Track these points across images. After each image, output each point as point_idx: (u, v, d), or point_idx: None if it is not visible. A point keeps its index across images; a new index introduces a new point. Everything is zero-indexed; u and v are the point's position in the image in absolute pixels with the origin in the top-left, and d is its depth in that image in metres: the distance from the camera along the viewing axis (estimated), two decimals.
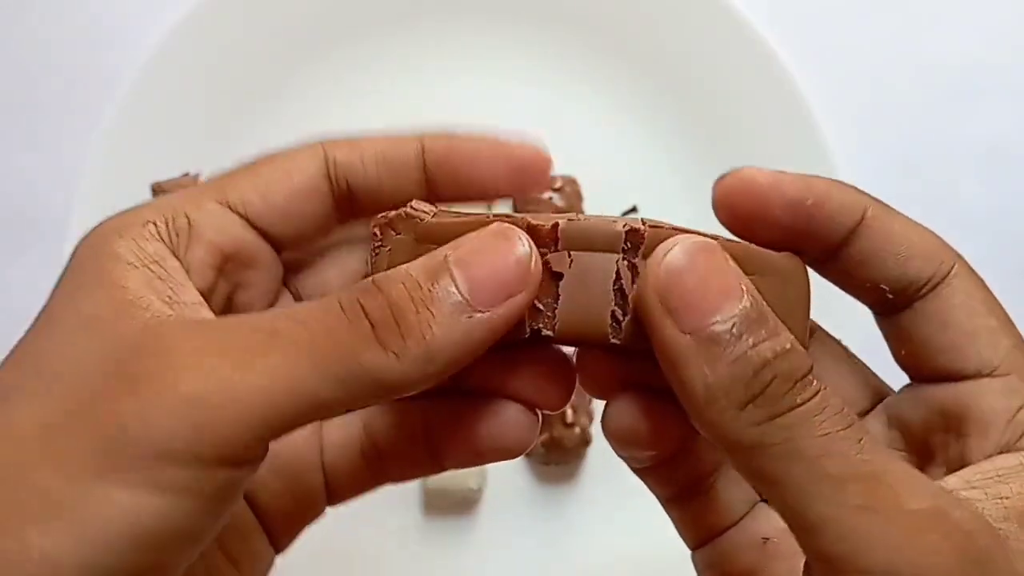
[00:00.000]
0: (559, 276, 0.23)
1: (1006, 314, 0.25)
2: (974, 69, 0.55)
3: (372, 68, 0.53)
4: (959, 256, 0.25)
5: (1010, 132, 0.54)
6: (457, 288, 0.21)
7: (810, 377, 0.20)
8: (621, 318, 0.22)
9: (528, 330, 0.23)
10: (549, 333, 0.23)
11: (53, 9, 0.54)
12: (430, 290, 0.21)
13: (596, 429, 0.51)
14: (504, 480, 0.51)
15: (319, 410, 0.21)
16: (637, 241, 0.23)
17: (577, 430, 0.49)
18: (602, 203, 0.52)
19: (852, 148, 0.52)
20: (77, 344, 0.21)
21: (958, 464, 0.23)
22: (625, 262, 0.23)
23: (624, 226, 0.23)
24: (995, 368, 0.24)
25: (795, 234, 0.25)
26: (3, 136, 0.52)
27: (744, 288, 0.21)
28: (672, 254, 0.21)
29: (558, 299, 0.23)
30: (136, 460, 0.19)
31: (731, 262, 0.21)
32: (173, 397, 0.19)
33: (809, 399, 0.20)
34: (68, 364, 0.21)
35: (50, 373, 0.21)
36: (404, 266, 0.22)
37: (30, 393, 0.21)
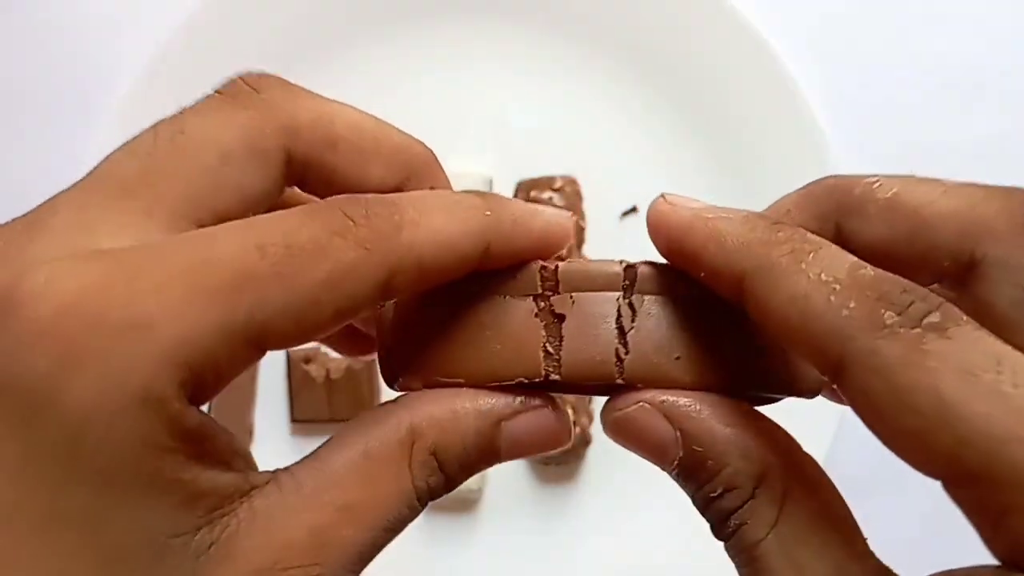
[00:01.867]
0: (562, 318, 0.23)
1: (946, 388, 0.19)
2: (975, 69, 0.55)
3: (372, 68, 0.53)
4: (867, 328, 0.20)
5: (1011, 132, 0.54)
6: (500, 454, 0.24)
7: (730, 519, 0.22)
8: (623, 356, 0.23)
9: (543, 373, 0.23)
10: (556, 377, 0.23)
11: (53, 9, 0.54)
12: (476, 463, 0.23)
13: (596, 429, 0.51)
14: (504, 480, 0.51)
15: None
16: (633, 278, 0.23)
17: (577, 430, 0.49)
18: (602, 203, 0.52)
19: (852, 149, 0.52)
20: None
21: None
22: (626, 301, 0.23)
23: (621, 264, 0.23)
24: (976, 479, 0.20)
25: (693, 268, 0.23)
26: (3, 136, 0.52)
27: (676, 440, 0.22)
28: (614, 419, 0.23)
29: (562, 341, 0.23)
30: None
31: (662, 422, 0.23)
32: None
33: (731, 532, 0.23)
34: None
35: None
36: (461, 431, 0.23)
37: None
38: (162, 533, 0.19)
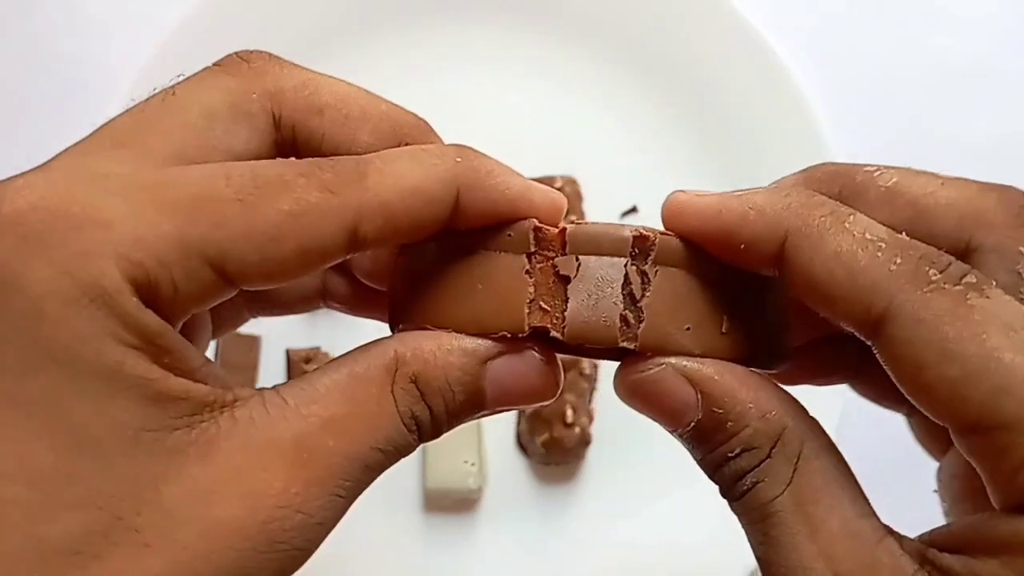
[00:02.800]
0: (566, 279, 0.23)
1: (996, 337, 0.21)
2: (976, 70, 0.55)
3: (372, 67, 0.53)
4: (914, 281, 0.21)
5: (1011, 132, 0.54)
6: (487, 399, 0.24)
7: (746, 477, 0.23)
8: (633, 322, 0.23)
9: (528, 328, 0.23)
10: (558, 335, 0.23)
11: (54, 10, 0.54)
12: (462, 404, 0.24)
13: (596, 429, 0.51)
14: (504, 480, 0.51)
15: None
16: (645, 248, 0.23)
17: (577, 430, 0.49)
18: (602, 203, 0.52)
19: (853, 149, 0.52)
20: (147, 473, 0.20)
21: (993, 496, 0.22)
22: (634, 267, 0.23)
23: (632, 231, 0.24)
24: (988, 426, 0.21)
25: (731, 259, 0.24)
26: (2, 136, 0.52)
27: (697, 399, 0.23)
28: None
29: (566, 302, 0.23)
30: None
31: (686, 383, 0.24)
32: (310, 553, 0.23)
33: (743, 492, 0.24)
34: (163, 509, 0.20)
35: (145, 519, 0.20)
36: (444, 364, 0.23)
37: (135, 549, 0.20)
38: (129, 426, 0.20)
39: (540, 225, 0.24)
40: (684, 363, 0.23)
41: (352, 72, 0.52)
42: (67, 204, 0.20)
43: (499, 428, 0.52)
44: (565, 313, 0.23)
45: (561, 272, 0.23)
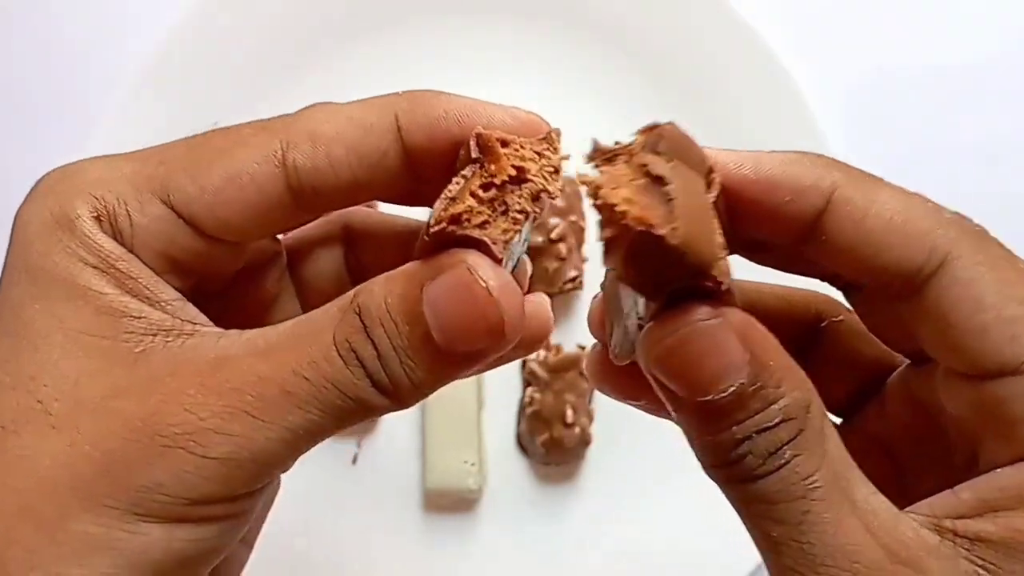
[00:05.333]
0: (660, 180, 0.20)
1: None
2: (976, 70, 0.55)
3: (370, 67, 0.53)
4: (966, 232, 0.22)
5: (1011, 132, 0.54)
6: (433, 334, 0.22)
7: (784, 449, 0.21)
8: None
9: (437, 221, 0.21)
10: (676, 242, 0.19)
11: (54, 10, 0.54)
12: (408, 338, 0.22)
13: (596, 429, 0.51)
14: (504, 480, 0.51)
15: (320, 439, 0.23)
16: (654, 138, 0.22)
17: (577, 430, 0.49)
18: None
19: (853, 149, 0.52)
20: (77, 369, 0.22)
21: (980, 462, 0.22)
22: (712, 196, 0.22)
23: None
24: (1018, 365, 0.21)
25: (755, 221, 0.23)
26: (2, 136, 0.52)
27: (743, 360, 0.21)
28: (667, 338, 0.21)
29: (669, 201, 0.19)
30: (171, 507, 0.22)
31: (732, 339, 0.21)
32: (207, 462, 0.22)
33: (779, 467, 0.21)
34: (79, 398, 0.22)
35: (60, 406, 0.22)
36: (384, 294, 0.22)
37: (42, 428, 0.22)
38: (72, 327, 0.22)
39: (482, 131, 0.22)
40: (737, 315, 0.21)
41: (350, 71, 0.53)
42: (68, 168, 0.24)
43: (499, 428, 0.52)
44: (674, 215, 0.19)
45: (655, 172, 0.20)
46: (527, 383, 0.51)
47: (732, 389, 0.21)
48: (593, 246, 0.52)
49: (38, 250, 0.23)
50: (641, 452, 0.51)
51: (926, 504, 0.22)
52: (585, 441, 0.50)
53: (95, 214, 0.23)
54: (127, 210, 0.23)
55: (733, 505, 0.22)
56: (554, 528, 0.51)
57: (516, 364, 0.52)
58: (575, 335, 0.52)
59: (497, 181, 0.21)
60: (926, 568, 0.20)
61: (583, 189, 0.20)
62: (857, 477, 0.21)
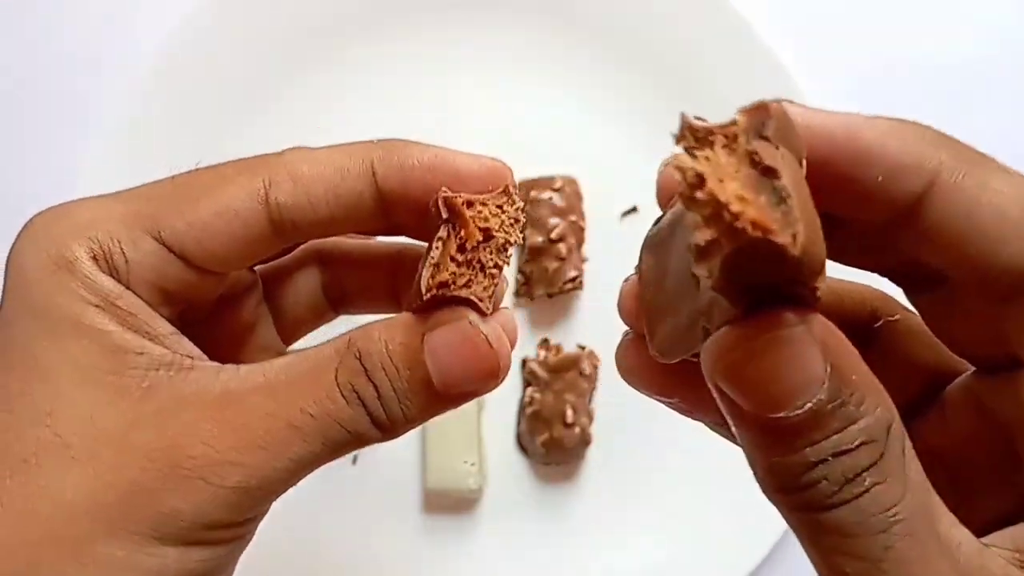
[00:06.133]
0: (772, 173, 0.17)
1: None
2: (975, 69, 0.55)
3: (371, 68, 0.53)
4: None
5: (1012, 132, 0.54)
6: (432, 378, 0.25)
7: (864, 476, 0.19)
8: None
9: (427, 292, 0.24)
10: (795, 253, 0.16)
11: (54, 9, 0.54)
12: (408, 382, 0.25)
13: (596, 429, 0.51)
14: (504, 480, 0.51)
15: (318, 467, 0.25)
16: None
17: (577, 430, 0.49)
18: (602, 203, 0.52)
19: None
20: (91, 403, 0.24)
21: None
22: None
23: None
24: None
25: (841, 198, 0.20)
26: (2, 136, 0.52)
27: (823, 378, 0.18)
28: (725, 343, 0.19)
29: (783, 200, 0.17)
30: (188, 531, 0.24)
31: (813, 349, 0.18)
32: (222, 491, 0.24)
33: (857, 496, 0.19)
34: (96, 431, 0.24)
35: (79, 439, 0.23)
36: (385, 340, 0.25)
37: (64, 461, 0.23)
38: (82, 363, 0.24)
39: (447, 194, 0.24)
40: (820, 322, 0.18)
41: (351, 73, 0.53)
42: (58, 210, 0.26)
43: (499, 428, 0.52)
44: (798, 224, 0.16)
45: (767, 163, 0.17)
46: (527, 383, 0.51)
47: (809, 406, 0.18)
48: (593, 246, 0.52)
49: (42, 291, 0.24)
50: (641, 452, 0.51)
51: (1008, 536, 0.20)
52: (585, 441, 0.50)
53: (92, 254, 0.24)
54: (121, 248, 0.25)
55: (799, 535, 0.20)
56: (554, 528, 0.51)
57: (516, 364, 0.52)
58: (575, 335, 0.52)
59: (469, 245, 0.24)
60: None
61: (675, 176, 0.17)
62: (939, 506, 0.20)
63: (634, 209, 0.53)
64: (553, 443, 0.49)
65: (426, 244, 0.25)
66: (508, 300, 0.52)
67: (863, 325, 0.25)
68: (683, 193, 0.17)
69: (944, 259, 0.21)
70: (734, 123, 0.18)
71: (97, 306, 0.24)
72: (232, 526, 0.24)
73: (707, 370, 0.19)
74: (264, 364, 0.25)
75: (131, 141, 0.50)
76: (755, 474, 0.20)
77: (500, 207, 0.25)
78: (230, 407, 0.24)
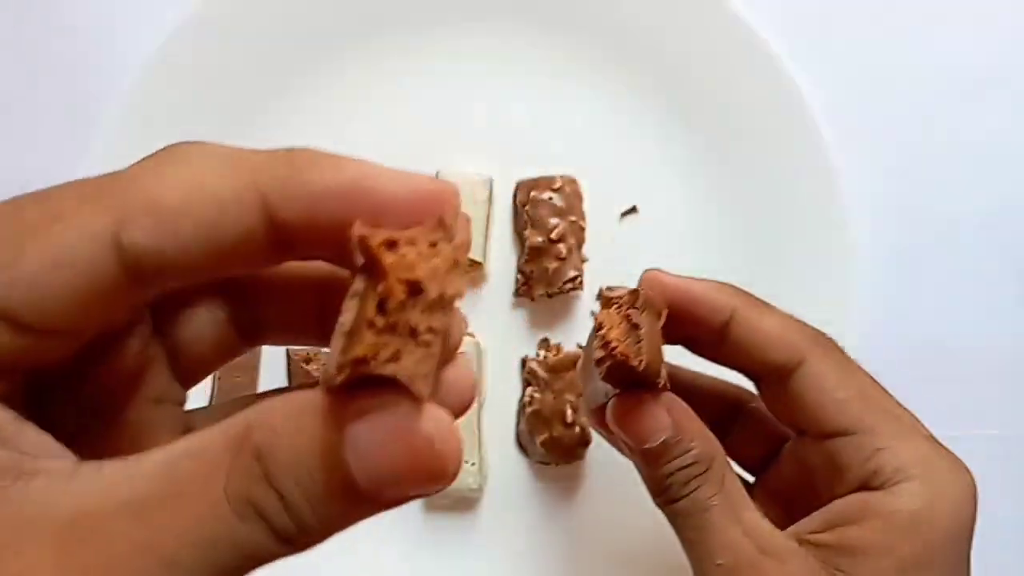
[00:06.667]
0: (636, 327, 0.31)
1: (862, 382, 0.34)
2: (977, 70, 0.55)
3: (371, 69, 0.53)
4: (818, 343, 0.34)
5: (1012, 132, 0.54)
6: (358, 482, 0.19)
7: (694, 480, 0.33)
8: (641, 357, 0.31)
9: (344, 368, 0.18)
10: (640, 369, 0.31)
11: (53, 9, 0.54)
12: (325, 485, 0.19)
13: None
14: (504, 480, 0.51)
15: None
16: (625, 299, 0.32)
17: (577, 430, 0.49)
18: (602, 203, 0.52)
19: (853, 149, 0.52)
20: None
21: (828, 498, 0.33)
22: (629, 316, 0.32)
23: (628, 291, 0.33)
24: (845, 430, 0.33)
25: (686, 324, 0.35)
26: (2, 136, 0.52)
27: (666, 425, 0.33)
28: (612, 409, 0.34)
29: (639, 342, 0.31)
30: None
31: (658, 410, 0.33)
32: None
33: (691, 492, 0.33)
34: None
35: None
36: (292, 434, 0.18)
37: None
38: None
39: (362, 232, 0.18)
40: (667, 396, 0.33)
41: (350, 74, 0.53)
42: None
43: (499, 428, 0.52)
44: (643, 350, 0.31)
45: (635, 321, 0.32)
46: (527, 383, 0.51)
47: (661, 440, 0.33)
48: (593, 246, 0.52)
49: None
50: None
51: (793, 526, 0.33)
52: (585, 441, 0.50)
53: None
54: None
55: (670, 523, 0.34)
56: (554, 527, 0.51)
57: (516, 364, 0.52)
58: (575, 335, 0.52)
59: (391, 304, 0.18)
60: (786, 559, 0.31)
61: (591, 319, 0.32)
62: (746, 504, 0.33)
63: (634, 209, 0.53)
64: (553, 443, 0.49)
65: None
66: (508, 300, 0.52)
67: (733, 406, 0.39)
68: (594, 329, 0.32)
69: (740, 361, 0.35)
70: (622, 298, 0.32)
71: None
72: None
73: (608, 420, 0.33)
74: (131, 464, 0.18)
75: (129, 146, 0.50)
76: (645, 486, 0.34)
77: (434, 245, 0.18)
78: (84, 539, 0.17)
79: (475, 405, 0.50)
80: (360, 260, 0.18)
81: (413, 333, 0.18)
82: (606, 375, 0.31)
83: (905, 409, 0.34)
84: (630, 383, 0.33)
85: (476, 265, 0.52)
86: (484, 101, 0.53)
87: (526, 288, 0.51)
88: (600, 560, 0.51)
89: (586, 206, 0.52)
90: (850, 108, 0.53)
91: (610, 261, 0.52)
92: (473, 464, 0.50)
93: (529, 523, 0.51)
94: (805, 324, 0.35)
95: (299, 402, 0.19)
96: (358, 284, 0.18)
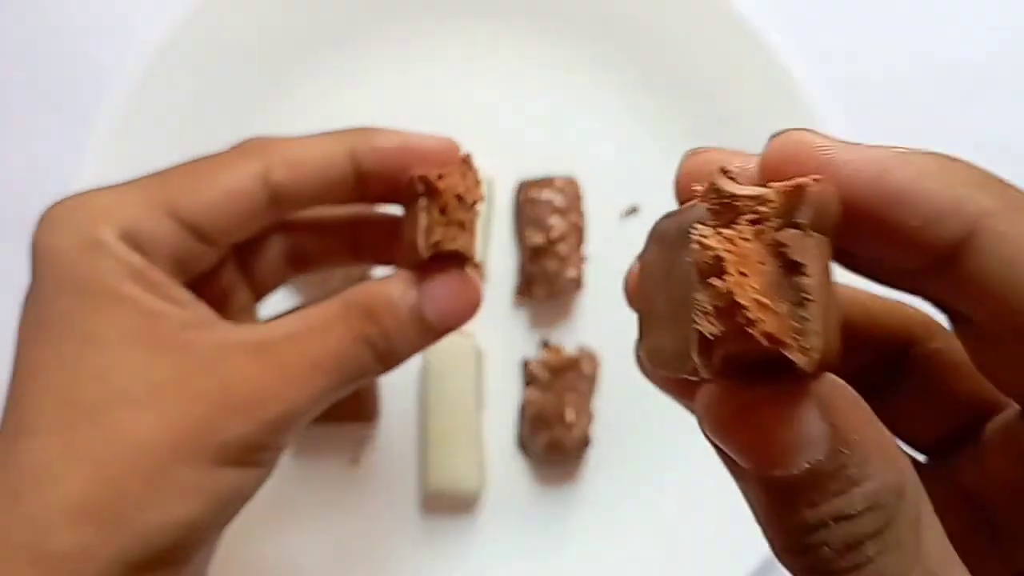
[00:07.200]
0: (798, 269, 0.16)
1: None
2: (980, 69, 0.55)
3: (371, 69, 0.53)
4: None
5: (1012, 132, 0.54)
6: (429, 317, 0.31)
7: (867, 545, 0.17)
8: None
9: (425, 252, 0.31)
10: (809, 370, 0.16)
11: (52, 8, 0.53)
12: (409, 321, 0.31)
13: (596, 430, 0.51)
14: (504, 480, 0.51)
15: (332, 399, 0.31)
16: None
17: (577, 431, 0.49)
18: (602, 203, 0.52)
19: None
20: (140, 360, 0.28)
21: None
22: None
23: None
24: None
25: (872, 241, 0.19)
26: (2, 136, 0.52)
27: (822, 437, 0.17)
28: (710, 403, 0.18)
29: (803, 304, 0.16)
30: (241, 456, 0.29)
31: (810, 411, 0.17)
32: (269, 421, 0.29)
33: (859, 566, 0.17)
34: (153, 381, 0.28)
35: (140, 390, 0.28)
36: (388, 291, 0.31)
37: (131, 408, 0.28)
38: (125, 326, 0.28)
39: (422, 173, 0.31)
40: (825, 383, 0.17)
41: (350, 72, 0.52)
42: (79, 199, 0.30)
43: (499, 429, 0.51)
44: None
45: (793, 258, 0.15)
46: (527, 384, 0.51)
47: (807, 466, 0.17)
48: (593, 246, 0.52)
49: (79, 269, 0.28)
50: (642, 453, 0.51)
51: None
52: (586, 442, 0.50)
53: (119, 234, 0.29)
54: (145, 228, 0.29)
55: None
56: (554, 529, 0.51)
57: (516, 365, 0.52)
58: (575, 335, 0.52)
59: (449, 209, 0.31)
60: None
61: (694, 250, 0.16)
62: (958, 570, 0.18)
63: (634, 209, 0.53)
64: (553, 444, 0.49)
65: (385, 208, 0.36)
66: (508, 300, 0.52)
67: (900, 349, 0.23)
68: (700, 269, 0.16)
69: (982, 312, 0.19)
70: (765, 199, 0.16)
71: (130, 278, 0.28)
72: (272, 449, 0.30)
73: (698, 418, 0.18)
74: (279, 320, 0.30)
75: (132, 137, 0.50)
76: (763, 533, 0.19)
77: (463, 174, 0.31)
78: (265, 352, 0.29)
79: (475, 406, 0.50)
80: (421, 188, 0.31)
81: (461, 224, 0.31)
82: (720, 366, 0.17)
83: None
84: (757, 366, 0.17)
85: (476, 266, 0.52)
86: (484, 101, 0.53)
87: (526, 288, 0.51)
88: (600, 561, 0.51)
89: (586, 206, 0.52)
90: (851, 108, 0.53)
91: (610, 261, 0.52)
92: (473, 465, 0.50)
93: (529, 524, 0.51)
94: None
95: (389, 279, 0.31)
96: (423, 203, 0.31)
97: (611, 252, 0.52)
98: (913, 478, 0.18)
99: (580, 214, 0.51)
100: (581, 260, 0.51)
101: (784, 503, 0.17)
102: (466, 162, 0.32)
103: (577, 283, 0.51)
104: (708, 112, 0.53)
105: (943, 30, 0.55)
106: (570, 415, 0.49)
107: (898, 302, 0.24)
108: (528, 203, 0.51)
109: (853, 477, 0.17)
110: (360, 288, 0.31)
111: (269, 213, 0.32)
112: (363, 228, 0.37)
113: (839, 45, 0.54)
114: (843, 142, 0.19)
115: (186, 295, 0.30)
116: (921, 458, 0.25)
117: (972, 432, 0.23)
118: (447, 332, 0.32)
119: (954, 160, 0.19)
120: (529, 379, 0.51)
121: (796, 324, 0.15)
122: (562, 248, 0.50)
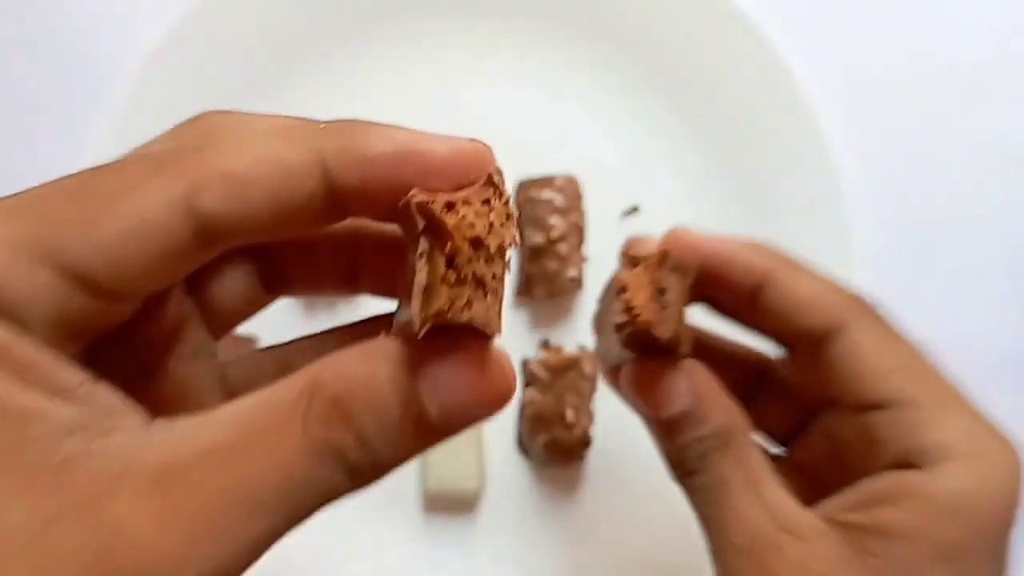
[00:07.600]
0: (663, 291, 0.28)
1: (905, 350, 0.31)
2: (980, 69, 0.54)
3: (371, 69, 0.53)
4: (859, 307, 0.31)
5: (1014, 132, 0.54)
6: (430, 412, 0.21)
7: (716, 452, 0.30)
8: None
9: (424, 322, 0.20)
10: (665, 338, 0.28)
11: (52, 8, 0.53)
12: (400, 420, 0.21)
13: (597, 430, 0.51)
14: (504, 481, 0.51)
15: (277, 541, 0.21)
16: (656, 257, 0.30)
17: (578, 431, 0.49)
18: (602, 203, 0.52)
19: (856, 150, 0.52)
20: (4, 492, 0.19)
21: (861, 476, 0.30)
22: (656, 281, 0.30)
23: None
24: (883, 401, 0.30)
25: (715, 286, 0.32)
26: (2, 136, 0.52)
27: (684, 393, 0.30)
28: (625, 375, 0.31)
29: (665, 308, 0.28)
30: None
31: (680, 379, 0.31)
32: None
33: (707, 466, 0.30)
34: (7, 525, 0.18)
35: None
36: (368, 375, 0.21)
37: None
38: None
39: (421, 198, 0.20)
40: (687, 363, 0.31)
41: (350, 72, 0.52)
42: None
43: (499, 428, 0.51)
44: (666, 314, 0.29)
45: (662, 286, 0.29)
46: (527, 384, 0.51)
47: (679, 410, 0.30)
48: (593, 246, 0.52)
49: None
50: (642, 453, 0.51)
51: (821, 504, 0.30)
52: (586, 442, 0.50)
53: None
54: (7, 281, 0.19)
55: (686, 499, 0.31)
56: (555, 529, 0.51)
57: (516, 365, 0.52)
58: (575, 335, 0.52)
59: (460, 260, 0.20)
60: (809, 539, 0.29)
61: (615, 279, 0.30)
62: (768, 480, 0.30)
63: (634, 209, 0.53)
64: (554, 444, 0.49)
65: (381, 224, 0.24)
66: (508, 300, 0.52)
67: (762, 373, 0.36)
68: (616, 289, 0.28)
69: (773, 327, 0.32)
70: (650, 259, 0.29)
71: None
72: None
73: (623, 384, 0.31)
74: (204, 417, 0.20)
75: (132, 137, 0.50)
76: (663, 458, 0.32)
77: (487, 202, 0.20)
78: (173, 487, 0.19)
79: None
80: (422, 224, 0.20)
81: (479, 282, 0.20)
82: (626, 341, 0.29)
83: (952, 381, 0.30)
84: (650, 348, 0.29)
85: None
86: (484, 100, 0.53)
87: (526, 288, 0.51)
88: (600, 562, 0.51)
89: (586, 206, 0.52)
90: (852, 108, 0.53)
91: (610, 261, 0.52)
92: (473, 465, 0.50)
93: (529, 524, 0.51)
94: (845, 287, 0.31)
95: (370, 351, 0.21)
96: (423, 245, 0.20)
97: (611, 252, 0.52)
98: (743, 425, 0.31)
99: (580, 214, 0.51)
100: (581, 260, 0.51)
101: (668, 434, 0.31)
102: (492, 183, 0.21)
103: (577, 283, 0.51)
104: (708, 112, 0.53)
105: (943, 30, 0.55)
106: (570, 415, 0.49)
107: (758, 348, 0.36)
108: (528, 203, 0.51)
109: (703, 417, 0.30)
110: (329, 361, 0.21)
111: (199, 252, 0.21)
112: (361, 245, 0.27)
113: (839, 45, 0.54)
114: (705, 236, 0.32)
115: (75, 377, 0.20)
116: (779, 451, 0.36)
117: (805, 425, 0.35)
118: (456, 433, 0.22)
119: (757, 243, 0.32)
120: (529, 379, 0.51)
121: (661, 317, 0.28)
122: (562, 248, 0.50)
